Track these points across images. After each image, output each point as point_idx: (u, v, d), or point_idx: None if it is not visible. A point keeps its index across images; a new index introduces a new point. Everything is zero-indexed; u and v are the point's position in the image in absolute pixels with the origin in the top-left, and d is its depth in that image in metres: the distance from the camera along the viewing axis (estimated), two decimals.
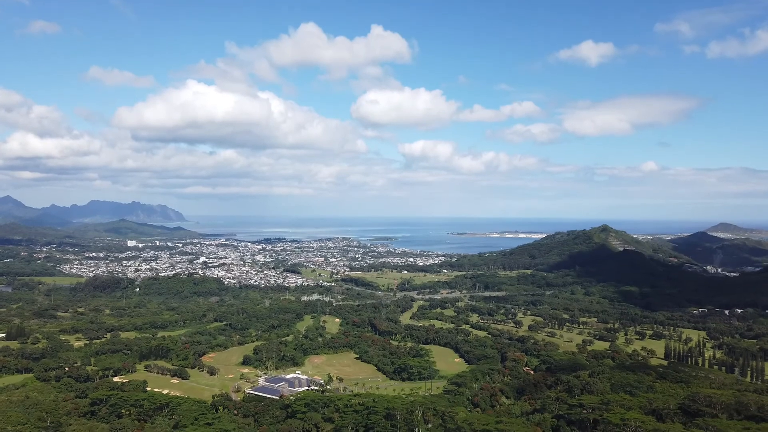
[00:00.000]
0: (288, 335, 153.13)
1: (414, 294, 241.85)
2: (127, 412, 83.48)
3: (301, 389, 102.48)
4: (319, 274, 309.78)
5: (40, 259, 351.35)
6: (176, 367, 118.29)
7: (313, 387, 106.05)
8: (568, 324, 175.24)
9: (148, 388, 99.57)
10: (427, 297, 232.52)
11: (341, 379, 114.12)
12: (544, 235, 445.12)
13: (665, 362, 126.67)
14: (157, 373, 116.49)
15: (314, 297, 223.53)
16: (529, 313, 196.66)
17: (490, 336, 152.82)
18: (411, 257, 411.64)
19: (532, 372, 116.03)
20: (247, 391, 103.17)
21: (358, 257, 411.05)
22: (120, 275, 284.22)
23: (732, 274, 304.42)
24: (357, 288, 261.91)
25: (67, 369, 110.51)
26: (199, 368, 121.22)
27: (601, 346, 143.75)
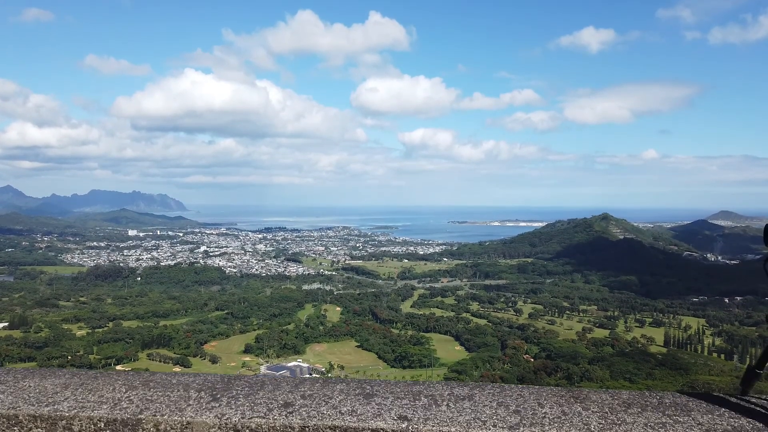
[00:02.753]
0: (289, 324, 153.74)
1: (414, 282, 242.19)
2: None
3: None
4: (320, 263, 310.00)
5: (41, 248, 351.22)
6: (178, 356, 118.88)
7: (314, 375, 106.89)
8: (568, 312, 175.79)
9: None
10: (427, 285, 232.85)
11: (342, 367, 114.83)
12: (544, 224, 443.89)
13: (664, 349, 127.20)
14: (159, 361, 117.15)
15: (315, 286, 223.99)
16: (529, 301, 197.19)
17: (490, 324, 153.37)
18: (411, 246, 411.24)
19: (532, 359, 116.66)
20: None
21: (359, 246, 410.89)
22: (121, 264, 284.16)
23: (732, 261, 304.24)
24: (358, 277, 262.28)
25: (69, 358, 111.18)
26: (200, 357, 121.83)
27: (600, 333, 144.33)
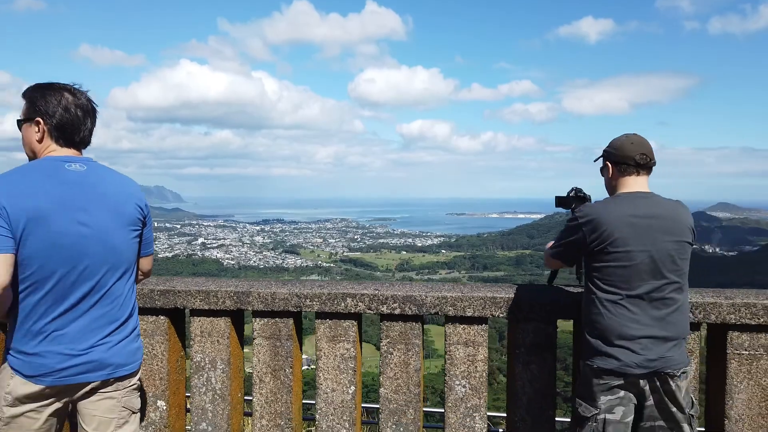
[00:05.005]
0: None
1: (413, 274, 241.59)
2: None
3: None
4: (318, 255, 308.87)
5: None
6: None
7: (312, 367, 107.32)
8: None
9: None
10: (425, 277, 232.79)
11: None
12: (543, 216, 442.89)
13: None
14: None
15: (313, 278, 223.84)
16: None
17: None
18: (410, 238, 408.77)
19: None
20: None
21: (357, 238, 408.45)
22: None
23: (730, 253, 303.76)
24: (356, 269, 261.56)
25: None
26: None
27: None
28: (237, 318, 3.19)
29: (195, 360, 3.09)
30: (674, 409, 2.28)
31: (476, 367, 2.96)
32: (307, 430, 4.44)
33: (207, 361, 3.09)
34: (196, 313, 3.06)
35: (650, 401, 2.29)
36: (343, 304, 2.98)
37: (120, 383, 1.99)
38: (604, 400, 2.28)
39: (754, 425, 2.73)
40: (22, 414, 1.85)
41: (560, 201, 2.94)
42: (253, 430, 3.14)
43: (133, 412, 2.05)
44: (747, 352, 2.73)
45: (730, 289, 3.00)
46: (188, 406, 3.38)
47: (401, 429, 3.01)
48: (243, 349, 3.34)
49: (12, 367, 1.86)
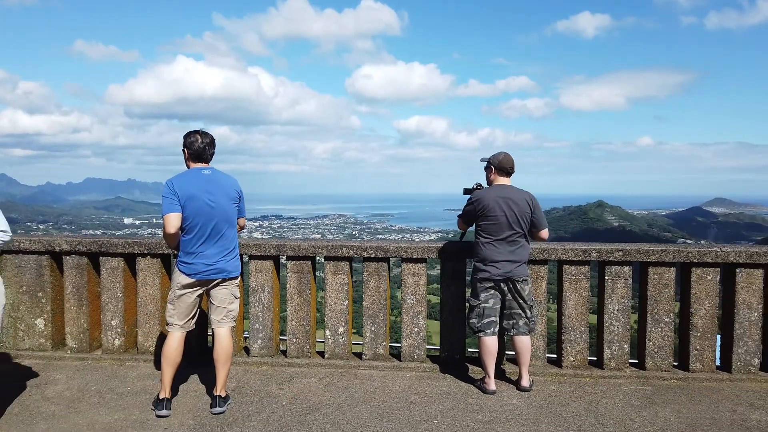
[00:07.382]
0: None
1: None
2: None
3: None
4: None
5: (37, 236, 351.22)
6: None
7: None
8: None
9: None
10: None
11: None
12: None
13: None
14: None
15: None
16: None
17: None
18: (407, 234, 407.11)
19: None
20: None
21: (355, 233, 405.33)
22: None
23: None
24: (354, 265, 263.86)
25: None
26: None
27: (593, 319, 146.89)
28: (276, 260, 5.02)
29: (252, 286, 4.98)
30: (521, 301, 4.21)
31: (419, 288, 4.98)
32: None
33: (259, 287, 4.99)
34: (252, 257, 4.94)
35: (508, 296, 4.20)
36: (340, 251, 4.90)
37: (230, 281, 3.84)
38: (483, 295, 4.19)
39: (578, 319, 4.86)
40: (184, 294, 3.72)
41: (467, 191, 4.50)
42: (286, 327, 5.12)
43: (236, 297, 3.93)
44: (574, 277, 4.78)
45: (568, 241, 5.01)
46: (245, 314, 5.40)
47: (375, 326, 5.07)
48: (279, 279, 5.20)
49: (180, 270, 3.70)
